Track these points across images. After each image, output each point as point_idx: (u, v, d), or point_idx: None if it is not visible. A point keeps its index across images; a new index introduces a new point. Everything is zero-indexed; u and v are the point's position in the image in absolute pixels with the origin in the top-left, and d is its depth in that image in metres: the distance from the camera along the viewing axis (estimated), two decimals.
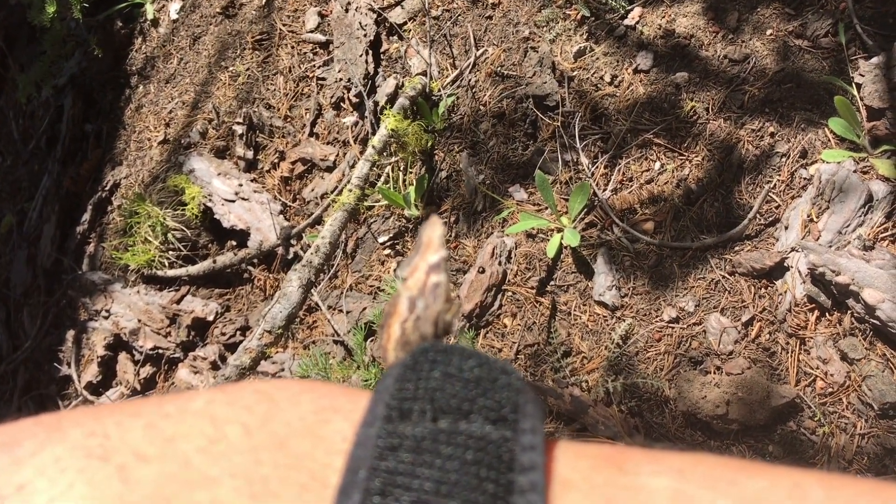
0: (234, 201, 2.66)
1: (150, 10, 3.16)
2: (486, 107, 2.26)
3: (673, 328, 1.80)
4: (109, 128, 3.13)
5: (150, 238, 2.70)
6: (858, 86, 1.75)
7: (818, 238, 1.68)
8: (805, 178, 1.78)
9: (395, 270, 2.21)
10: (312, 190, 2.61)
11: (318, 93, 2.69)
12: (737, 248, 1.80)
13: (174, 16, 3.11)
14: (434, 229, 0.50)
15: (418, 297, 0.50)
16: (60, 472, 0.26)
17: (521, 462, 0.26)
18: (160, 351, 2.57)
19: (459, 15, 2.46)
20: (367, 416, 0.28)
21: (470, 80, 2.32)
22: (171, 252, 2.71)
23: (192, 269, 2.65)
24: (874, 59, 1.75)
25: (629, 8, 2.17)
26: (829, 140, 1.79)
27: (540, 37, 2.28)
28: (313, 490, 0.26)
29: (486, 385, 0.28)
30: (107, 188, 2.97)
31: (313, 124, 2.66)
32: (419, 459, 0.26)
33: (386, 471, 0.25)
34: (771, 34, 1.95)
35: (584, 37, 2.20)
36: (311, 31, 2.76)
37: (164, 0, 3.18)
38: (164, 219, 2.68)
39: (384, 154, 2.25)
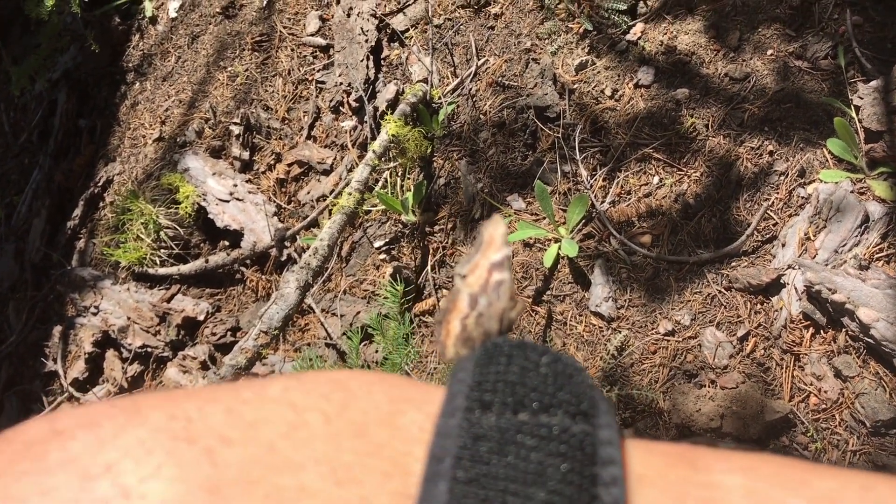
0: (228, 201, 2.65)
1: (148, 7, 3.15)
2: (486, 116, 2.27)
3: (668, 341, 1.81)
4: (104, 124, 3.11)
5: (143, 235, 2.69)
6: (857, 108, 1.78)
7: (815, 256, 1.70)
8: (803, 197, 1.81)
9: (438, 265, 2.21)
10: (308, 193, 2.61)
11: (317, 96, 2.69)
12: (734, 264, 1.82)
13: (173, 14, 3.10)
14: (497, 227, 0.51)
15: (480, 293, 0.51)
16: (147, 453, 0.26)
17: (601, 456, 0.26)
18: (149, 349, 2.56)
19: (461, 24, 2.47)
20: (445, 407, 0.28)
21: (471, 88, 2.34)
22: (162, 250, 2.69)
23: (184, 268, 2.64)
24: (873, 83, 1.78)
25: (631, 23, 2.19)
26: (828, 160, 1.82)
27: (542, 49, 2.30)
28: (396, 477, 0.27)
29: (563, 380, 0.29)
30: (99, 184, 2.95)
31: (311, 127, 2.66)
32: (504, 450, 0.26)
33: (471, 459, 0.26)
34: (771, 54, 1.98)
35: (586, 50, 2.22)
36: (312, 35, 2.77)
37: None
38: (157, 217, 2.67)
39: (384, 159, 2.25)
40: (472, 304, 0.52)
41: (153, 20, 3.15)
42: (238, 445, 0.27)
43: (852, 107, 1.80)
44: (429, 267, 2.22)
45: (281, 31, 2.84)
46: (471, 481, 0.25)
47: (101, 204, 2.94)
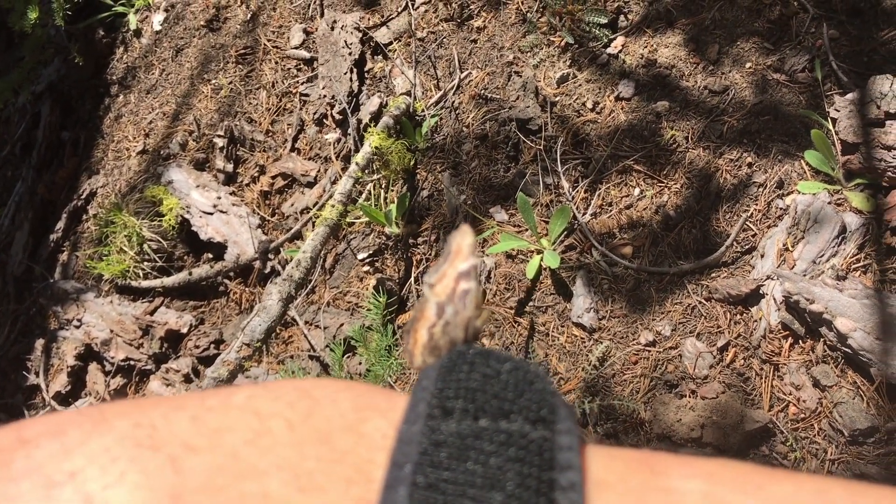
0: (212, 214, 2.65)
1: (132, 20, 3.15)
2: (469, 128, 2.28)
3: (649, 351, 1.82)
4: (87, 136, 3.11)
5: (126, 248, 2.68)
6: (834, 120, 1.80)
7: (793, 267, 1.72)
8: (781, 208, 1.83)
9: (421, 276, 2.22)
10: (292, 205, 2.61)
11: (300, 109, 2.70)
12: (713, 275, 1.84)
13: (157, 27, 3.10)
14: (464, 238, 0.51)
15: (447, 302, 0.51)
16: (112, 461, 0.26)
17: (560, 461, 0.27)
18: (132, 362, 2.55)
19: (444, 38, 2.49)
20: (408, 415, 0.29)
21: (454, 101, 2.35)
22: (146, 263, 2.69)
23: (168, 281, 2.64)
24: (849, 95, 1.80)
25: (612, 37, 2.21)
26: (805, 172, 1.84)
27: (524, 62, 2.31)
28: (359, 484, 0.27)
29: (524, 387, 0.29)
30: (83, 197, 2.95)
31: (295, 140, 2.67)
32: (463, 455, 0.26)
33: (431, 465, 0.26)
34: (750, 67, 2.00)
35: (568, 63, 2.24)
36: (296, 48, 2.78)
37: (148, 11, 3.18)
38: (141, 229, 2.67)
39: (367, 171, 2.26)
40: (439, 313, 0.52)
41: (137, 33, 3.15)
42: (202, 453, 0.27)
43: (829, 119, 1.82)
44: (412, 279, 2.23)
45: (265, 44, 2.84)
46: (430, 486, 0.26)
47: (85, 217, 2.93)
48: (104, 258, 2.70)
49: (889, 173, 1.70)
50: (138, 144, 2.92)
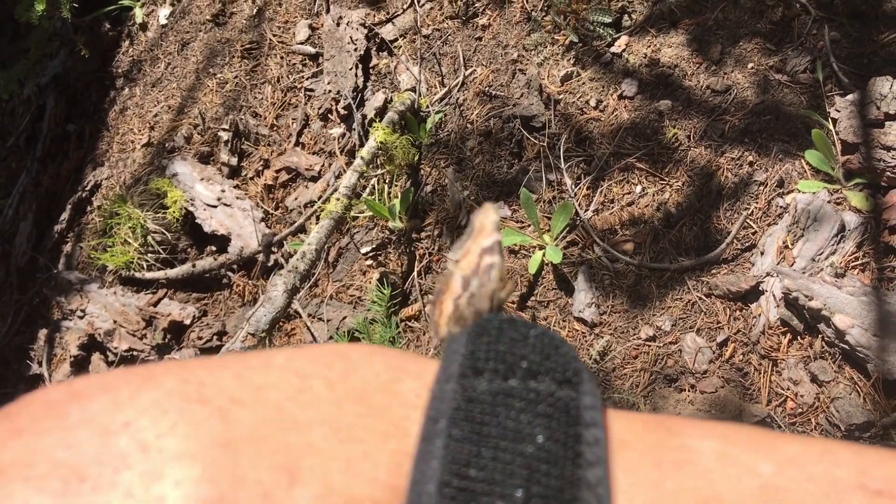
0: (216, 207, 2.67)
1: (139, 14, 3.17)
2: (473, 125, 2.30)
3: (649, 346, 1.85)
4: (92, 129, 3.12)
5: (130, 240, 2.70)
6: (834, 121, 1.83)
7: (792, 264, 1.74)
8: (781, 207, 1.85)
9: (424, 271, 2.24)
10: (296, 199, 2.63)
11: (305, 103, 2.72)
12: (714, 271, 1.86)
13: (163, 21, 3.12)
14: (487, 215, 0.53)
15: (472, 276, 0.54)
16: (162, 413, 0.27)
17: (585, 419, 0.28)
18: (135, 353, 2.56)
19: (450, 35, 2.51)
20: (440, 375, 0.31)
21: (458, 98, 2.37)
22: (150, 254, 2.70)
23: (171, 273, 2.66)
24: (849, 97, 1.83)
25: (616, 36, 2.24)
26: (805, 171, 1.86)
27: (528, 60, 2.34)
28: (395, 437, 0.29)
29: (550, 350, 0.31)
30: (87, 188, 2.96)
31: (300, 134, 2.69)
32: (495, 411, 0.28)
33: (465, 419, 0.28)
34: (752, 68, 2.03)
35: (572, 62, 2.26)
36: (301, 43, 2.80)
37: (154, 5, 3.20)
38: (145, 221, 2.68)
39: (372, 166, 2.28)
40: (464, 286, 0.55)
41: (143, 27, 3.17)
42: (248, 406, 0.28)
43: (830, 119, 1.85)
44: (415, 273, 2.25)
45: (270, 39, 2.86)
46: (464, 439, 0.27)
47: (89, 208, 2.95)
48: (108, 249, 2.72)
49: (888, 173, 1.72)
50: (143, 137, 2.94)
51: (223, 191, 2.69)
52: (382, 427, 0.29)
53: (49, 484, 0.25)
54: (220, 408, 0.28)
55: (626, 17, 2.27)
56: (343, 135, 2.59)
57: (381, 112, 2.45)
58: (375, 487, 0.27)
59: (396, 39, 2.63)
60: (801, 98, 1.94)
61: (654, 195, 2.00)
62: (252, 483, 0.26)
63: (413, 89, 2.47)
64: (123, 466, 0.26)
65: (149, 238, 2.70)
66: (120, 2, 3.20)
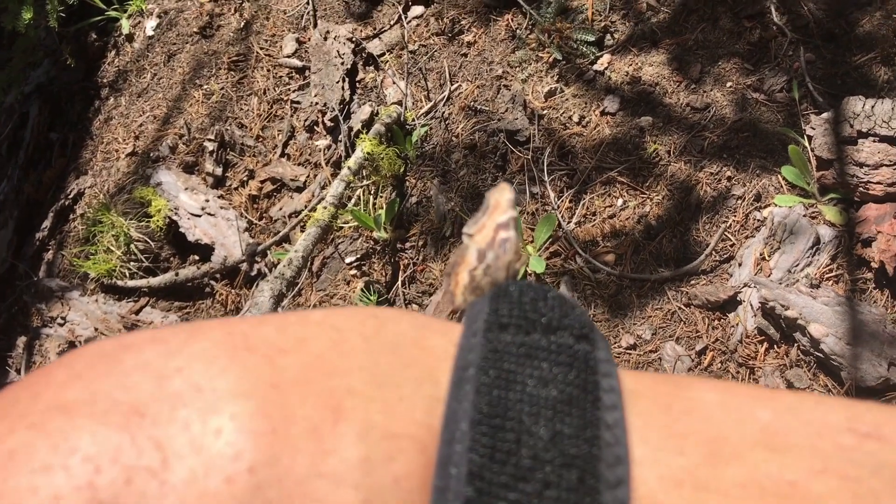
0: (200, 216, 2.68)
1: (125, 24, 3.19)
2: (458, 138, 2.35)
3: (630, 354, 1.89)
4: (76, 137, 3.13)
5: (113, 248, 2.70)
6: (809, 138, 1.89)
7: (769, 275, 1.80)
8: (758, 220, 1.91)
9: (408, 280, 2.26)
10: (280, 209, 2.65)
11: (291, 115, 2.75)
12: (693, 282, 1.91)
13: (150, 32, 3.14)
14: (503, 193, 0.56)
15: (487, 249, 0.57)
16: (212, 359, 0.29)
17: (601, 369, 0.31)
18: None
19: (436, 51, 2.56)
20: (466, 331, 0.33)
21: (444, 112, 2.42)
22: (132, 263, 2.71)
23: (154, 281, 2.66)
24: (824, 115, 1.90)
25: (599, 54, 2.30)
26: (782, 186, 1.92)
27: (513, 76, 2.39)
28: (428, 383, 0.31)
29: (568, 309, 0.34)
30: (70, 196, 2.96)
31: (285, 145, 2.72)
32: (520, 361, 0.31)
33: (492, 367, 0.30)
34: (730, 86, 2.09)
35: (556, 78, 2.32)
36: (288, 56, 2.83)
37: (141, 17, 3.22)
38: (128, 229, 2.69)
39: (358, 176, 2.32)
40: (479, 258, 0.58)
41: (130, 38, 3.19)
42: (291, 354, 0.30)
43: (805, 137, 1.91)
44: (399, 283, 2.28)
45: (258, 52, 2.90)
46: (493, 384, 0.30)
47: (71, 216, 2.95)
48: (90, 257, 2.72)
49: (860, 189, 1.79)
50: (128, 146, 2.95)
51: (207, 200, 2.70)
52: (416, 374, 0.31)
53: (111, 419, 0.27)
54: (266, 355, 0.30)
55: (608, 36, 2.33)
56: (329, 146, 2.62)
57: (367, 124, 2.48)
58: (413, 426, 0.29)
59: (383, 54, 2.67)
60: (777, 116, 2.01)
61: (634, 208, 2.05)
62: (301, 419, 0.28)
63: (399, 103, 2.51)
64: (180, 404, 0.28)
65: (132, 246, 2.70)
66: (107, 13, 3.22)
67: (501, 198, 0.57)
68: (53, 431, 0.27)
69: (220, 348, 0.30)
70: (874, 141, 1.78)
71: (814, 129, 1.89)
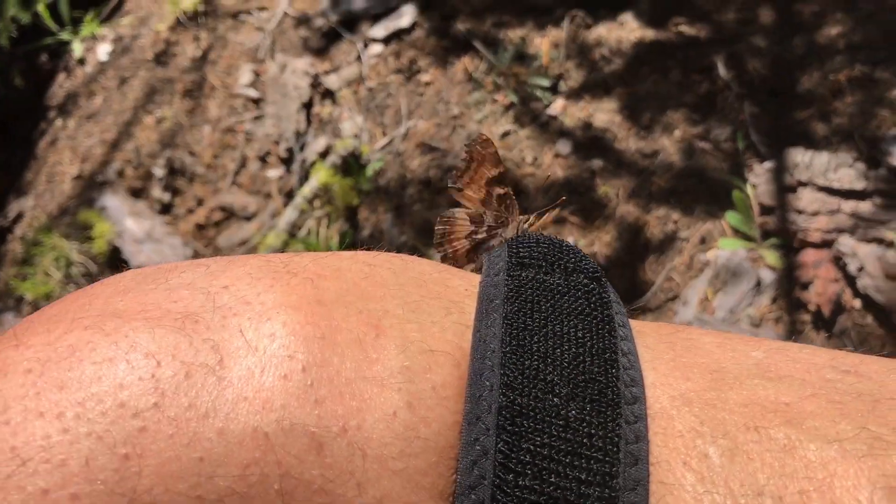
0: (144, 242, 2.65)
1: (77, 48, 3.16)
2: (412, 173, 2.38)
3: None
4: (20, 158, 3.07)
5: (52, 271, 2.64)
6: (753, 185, 1.98)
7: (713, 314, 1.85)
8: (703, 262, 1.98)
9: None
10: (229, 238, 2.63)
11: (245, 145, 2.75)
12: (640, 319, 1.96)
13: (103, 58, 3.12)
14: (487, 147, 0.58)
15: (482, 210, 0.58)
16: (256, 279, 0.31)
17: (613, 305, 0.34)
18: None
19: (393, 88, 2.60)
20: (489, 270, 0.36)
21: (399, 148, 2.45)
22: (71, 286, 2.64)
23: None
24: (766, 164, 1.99)
25: (553, 99, 2.37)
26: (726, 230, 2.00)
27: (469, 116, 2.44)
28: (455, 313, 0.33)
29: (581, 256, 0.37)
30: (9, 217, 2.89)
31: (236, 174, 2.71)
32: (541, 295, 0.33)
33: (517, 298, 0.33)
34: (679, 135, 2.18)
35: (511, 120, 2.38)
36: (244, 87, 2.84)
37: (94, 41, 3.20)
38: (69, 252, 2.63)
39: (312, 205, 2.32)
40: (475, 222, 0.59)
41: (82, 61, 3.16)
42: (330, 279, 0.32)
43: (749, 184, 2.00)
44: None
45: (212, 82, 2.90)
46: (518, 312, 0.32)
47: (10, 237, 2.87)
48: (28, 278, 2.65)
49: (799, 235, 1.87)
50: (74, 169, 2.90)
51: (153, 226, 2.67)
52: (443, 304, 0.33)
53: (166, 322, 0.28)
54: (308, 278, 0.32)
55: (562, 82, 2.41)
56: (281, 177, 2.62)
57: (322, 156, 2.50)
58: (447, 344, 0.31)
59: (341, 89, 2.71)
60: (723, 164, 2.09)
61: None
62: (346, 330, 0.30)
63: (355, 136, 2.53)
64: (231, 314, 0.29)
65: (72, 269, 2.64)
66: (58, 36, 3.19)
67: (486, 151, 0.58)
68: (112, 331, 0.28)
69: (262, 271, 0.32)
70: (813, 190, 1.87)
71: (757, 177, 1.98)
